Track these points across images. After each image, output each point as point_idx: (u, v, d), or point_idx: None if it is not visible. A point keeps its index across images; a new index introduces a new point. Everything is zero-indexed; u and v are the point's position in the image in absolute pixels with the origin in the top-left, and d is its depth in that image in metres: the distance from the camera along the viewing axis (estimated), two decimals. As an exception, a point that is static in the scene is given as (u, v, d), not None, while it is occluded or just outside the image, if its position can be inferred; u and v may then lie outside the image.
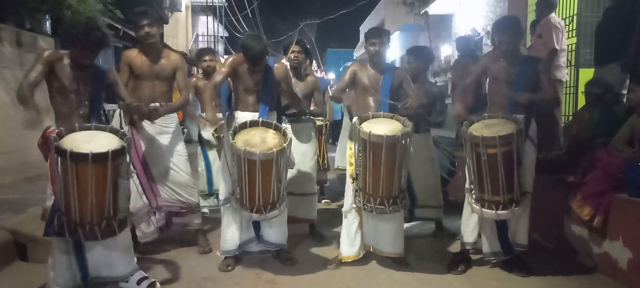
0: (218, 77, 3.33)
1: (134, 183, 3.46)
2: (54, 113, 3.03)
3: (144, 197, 3.54)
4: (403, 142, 3.06)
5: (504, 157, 2.93)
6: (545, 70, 3.40)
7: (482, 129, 3.04)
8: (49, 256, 2.86)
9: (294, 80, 3.73)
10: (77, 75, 2.97)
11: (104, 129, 2.79)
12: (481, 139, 2.92)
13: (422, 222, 4.47)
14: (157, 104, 3.45)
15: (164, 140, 3.58)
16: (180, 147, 3.67)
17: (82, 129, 2.73)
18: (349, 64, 3.84)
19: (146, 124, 3.51)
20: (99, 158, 2.54)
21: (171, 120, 3.63)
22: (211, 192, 4.76)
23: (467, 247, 3.42)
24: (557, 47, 4.59)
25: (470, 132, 3.02)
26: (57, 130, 2.67)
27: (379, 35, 3.50)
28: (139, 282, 2.99)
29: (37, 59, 2.92)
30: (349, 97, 3.84)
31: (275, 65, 3.41)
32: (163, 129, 3.58)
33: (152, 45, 3.46)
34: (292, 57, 4.02)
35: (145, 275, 3.05)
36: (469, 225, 3.38)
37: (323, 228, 4.35)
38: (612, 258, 3.22)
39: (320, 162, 5.01)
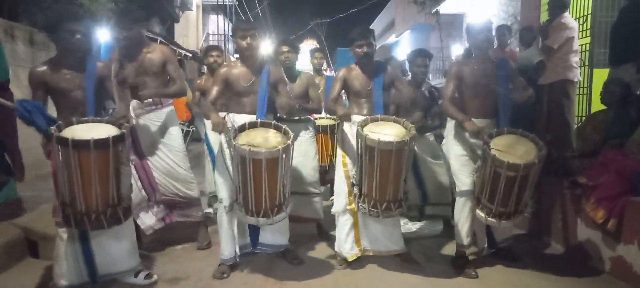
0: (212, 94, 3.22)
1: (133, 178, 3.47)
2: (56, 112, 3.03)
3: (142, 191, 3.58)
4: (409, 146, 3.05)
5: (521, 180, 2.98)
6: (515, 72, 3.47)
7: (506, 151, 3.03)
8: (54, 252, 2.89)
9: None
10: (70, 77, 2.93)
11: (100, 121, 2.81)
12: (506, 165, 2.93)
13: (432, 223, 4.44)
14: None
15: (162, 136, 3.60)
16: (178, 143, 3.67)
17: (79, 122, 2.76)
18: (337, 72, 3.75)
19: (143, 120, 3.53)
20: (101, 144, 2.58)
21: (168, 117, 3.62)
22: None
23: (464, 249, 3.43)
24: (554, 46, 4.52)
25: (493, 155, 3.00)
26: (56, 124, 2.70)
27: (366, 35, 3.40)
28: (136, 274, 3.05)
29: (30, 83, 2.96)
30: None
31: (271, 67, 3.32)
32: (159, 125, 3.57)
33: (135, 45, 3.46)
34: (283, 58, 3.99)
35: (141, 267, 3.11)
36: (464, 228, 3.37)
37: (331, 227, 4.33)
38: (627, 262, 3.16)
39: (333, 160, 5.00)
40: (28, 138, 5.29)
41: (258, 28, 3.31)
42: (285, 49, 4.01)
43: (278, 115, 3.65)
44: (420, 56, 4.17)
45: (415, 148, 4.08)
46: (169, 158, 3.62)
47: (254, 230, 3.38)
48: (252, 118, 3.17)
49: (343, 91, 3.57)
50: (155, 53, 3.50)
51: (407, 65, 4.69)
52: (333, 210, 3.56)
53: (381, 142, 2.98)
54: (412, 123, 3.20)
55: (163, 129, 3.60)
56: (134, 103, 3.48)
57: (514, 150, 3.04)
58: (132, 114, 3.46)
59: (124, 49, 3.48)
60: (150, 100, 3.50)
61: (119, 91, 3.11)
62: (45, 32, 3.01)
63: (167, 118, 3.63)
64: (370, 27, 4.30)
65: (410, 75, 4.40)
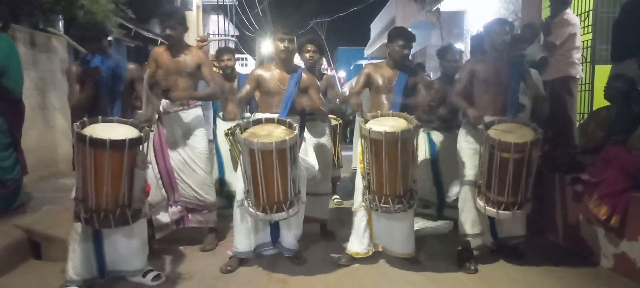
0: (243, 92, 3.50)
1: (155, 177, 3.55)
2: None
3: (162, 190, 3.63)
4: (404, 139, 3.05)
5: (515, 163, 2.99)
6: (528, 73, 3.50)
7: (502, 133, 3.09)
8: (69, 247, 2.92)
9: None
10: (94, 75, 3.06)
11: (125, 123, 2.88)
12: (497, 143, 2.99)
13: (437, 222, 4.44)
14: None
15: (187, 137, 3.63)
16: (203, 146, 3.69)
17: (104, 121, 2.84)
18: (364, 64, 3.81)
19: (171, 119, 3.58)
20: (117, 145, 2.63)
21: (196, 119, 3.66)
22: (222, 193, 4.77)
23: (468, 239, 3.41)
24: (556, 43, 4.51)
25: (488, 133, 3.07)
26: (80, 121, 2.76)
27: (409, 38, 3.50)
28: (144, 274, 3.06)
29: (69, 78, 3.15)
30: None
31: (303, 73, 3.45)
32: (185, 125, 3.61)
33: (173, 45, 3.56)
34: (308, 56, 3.99)
35: (150, 267, 3.11)
36: (468, 218, 3.39)
37: (335, 227, 4.33)
38: (630, 258, 3.15)
39: (335, 160, 5.01)
40: (30, 139, 5.31)
41: (297, 33, 3.46)
42: (312, 48, 3.99)
43: (307, 117, 3.67)
44: (450, 52, 4.38)
45: (439, 146, 4.11)
46: (191, 160, 3.63)
47: (274, 227, 3.39)
48: (275, 116, 3.23)
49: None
50: (191, 56, 3.56)
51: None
52: (353, 207, 3.56)
53: (372, 132, 3.02)
54: (440, 120, 3.18)
55: (189, 130, 3.63)
56: (163, 102, 3.53)
57: (511, 134, 3.08)
58: (161, 109, 3.53)
59: (167, 47, 3.57)
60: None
61: (147, 94, 3.15)
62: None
63: (194, 119, 3.64)
64: (371, 25, 4.33)
65: (441, 71, 4.48)
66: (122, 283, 3.07)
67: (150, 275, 3.07)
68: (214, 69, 4.41)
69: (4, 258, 3.25)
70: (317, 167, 3.44)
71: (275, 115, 3.26)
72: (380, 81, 3.50)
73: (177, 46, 3.56)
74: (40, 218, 3.75)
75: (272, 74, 3.42)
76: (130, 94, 3.20)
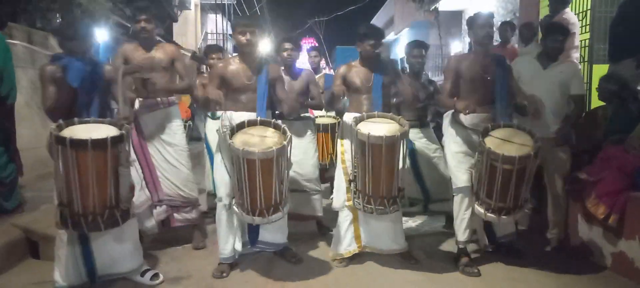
0: (209, 91, 3.21)
1: (138, 177, 3.52)
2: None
3: (145, 190, 3.61)
4: (402, 141, 3.05)
5: (518, 173, 2.96)
6: (511, 73, 3.45)
7: (501, 143, 3.03)
8: (55, 252, 2.89)
9: (287, 78, 3.76)
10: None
11: (102, 122, 2.82)
12: (501, 157, 2.93)
13: (432, 219, 4.45)
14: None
15: (166, 135, 3.63)
16: (181, 142, 3.70)
17: (81, 122, 2.77)
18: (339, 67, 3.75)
19: (148, 118, 3.57)
20: (98, 144, 2.58)
21: (173, 116, 3.66)
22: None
23: (461, 246, 3.42)
24: None
25: (488, 147, 2.99)
26: (56, 124, 2.69)
27: (379, 36, 3.42)
28: (142, 274, 3.05)
29: (42, 80, 2.99)
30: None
31: (269, 65, 3.33)
32: (163, 123, 3.61)
33: (146, 39, 3.55)
34: (285, 55, 3.98)
35: (148, 267, 3.11)
36: (462, 226, 3.37)
37: (332, 225, 4.32)
38: (628, 258, 3.16)
39: (334, 158, 5.00)
40: (28, 138, 5.29)
41: (259, 24, 3.34)
42: (288, 46, 3.99)
43: (277, 112, 3.65)
44: (417, 47, 4.21)
45: (415, 143, 4.11)
46: (172, 156, 3.64)
47: (253, 228, 3.37)
48: (250, 115, 3.15)
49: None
50: (164, 51, 3.57)
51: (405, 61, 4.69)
52: (333, 206, 3.58)
53: (371, 136, 2.99)
54: (415, 116, 3.18)
55: (167, 127, 3.64)
56: (138, 101, 3.51)
57: (510, 143, 3.04)
58: (136, 105, 3.49)
59: (138, 40, 3.55)
60: (159, 99, 3.55)
61: (123, 92, 3.10)
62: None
63: (172, 116, 3.66)
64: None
65: (407, 68, 4.41)
66: (120, 282, 3.06)
67: (149, 274, 3.06)
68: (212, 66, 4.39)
69: (2, 257, 3.25)
70: (293, 161, 3.39)
71: (250, 114, 3.17)
72: (358, 82, 3.42)
73: (149, 41, 3.55)
74: (39, 217, 3.74)
75: (236, 69, 3.23)
76: (107, 95, 3.11)
